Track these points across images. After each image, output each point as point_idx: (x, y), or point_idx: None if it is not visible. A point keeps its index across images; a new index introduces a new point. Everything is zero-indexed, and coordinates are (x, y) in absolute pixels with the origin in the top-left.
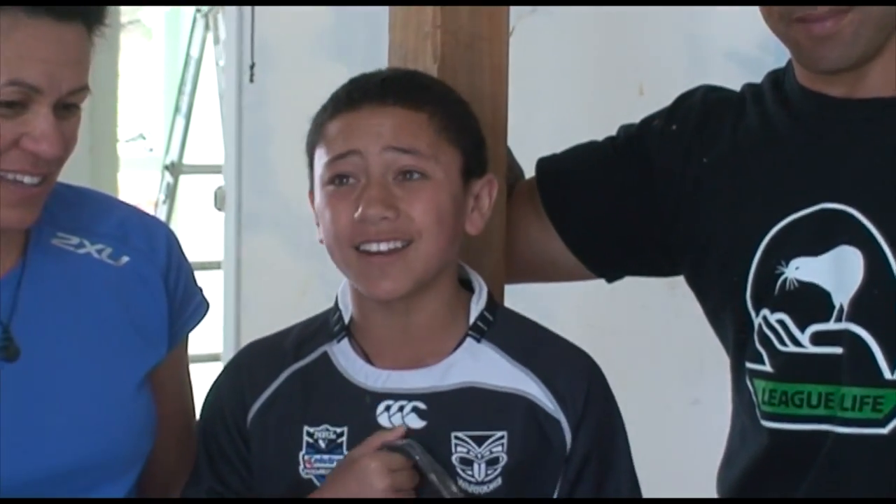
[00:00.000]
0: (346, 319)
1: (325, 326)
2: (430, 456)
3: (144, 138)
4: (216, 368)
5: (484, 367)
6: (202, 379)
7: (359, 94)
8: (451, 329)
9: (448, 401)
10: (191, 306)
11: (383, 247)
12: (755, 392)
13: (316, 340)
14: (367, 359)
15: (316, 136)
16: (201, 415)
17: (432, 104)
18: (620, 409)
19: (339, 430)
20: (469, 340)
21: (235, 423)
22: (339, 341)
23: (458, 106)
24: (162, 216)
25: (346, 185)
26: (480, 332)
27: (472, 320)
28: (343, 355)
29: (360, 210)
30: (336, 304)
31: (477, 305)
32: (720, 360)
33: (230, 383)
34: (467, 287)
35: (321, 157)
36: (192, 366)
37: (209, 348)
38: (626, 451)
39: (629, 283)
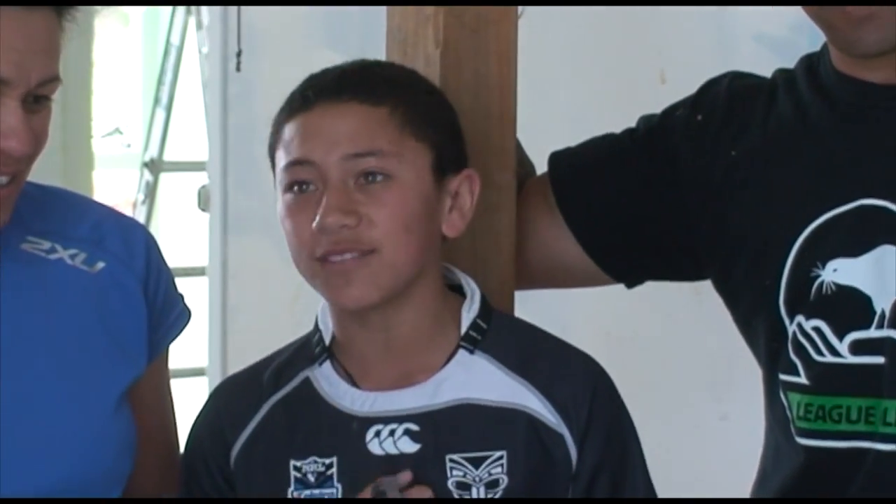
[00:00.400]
0: (327, 340)
1: (304, 350)
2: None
3: (122, 133)
4: (201, 384)
5: (478, 380)
6: (186, 395)
7: (313, 91)
8: (440, 341)
9: (441, 420)
10: (172, 315)
11: (347, 255)
12: (789, 406)
13: (295, 366)
14: (352, 381)
15: (274, 139)
16: (183, 457)
17: (394, 96)
18: (642, 426)
19: (327, 461)
20: (461, 352)
21: (218, 465)
22: (320, 364)
23: (428, 96)
24: (141, 217)
25: (306, 193)
26: (473, 342)
27: (463, 329)
28: (326, 379)
29: (317, 219)
30: (316, 324)
31: (469, 313)
32: (751, 372)
33: (209, 424)
34: (459, 292)
35: (279, 161)
36: (176, 381)
37: (193, 362)
38: (641, 462)
39: (651, 288)
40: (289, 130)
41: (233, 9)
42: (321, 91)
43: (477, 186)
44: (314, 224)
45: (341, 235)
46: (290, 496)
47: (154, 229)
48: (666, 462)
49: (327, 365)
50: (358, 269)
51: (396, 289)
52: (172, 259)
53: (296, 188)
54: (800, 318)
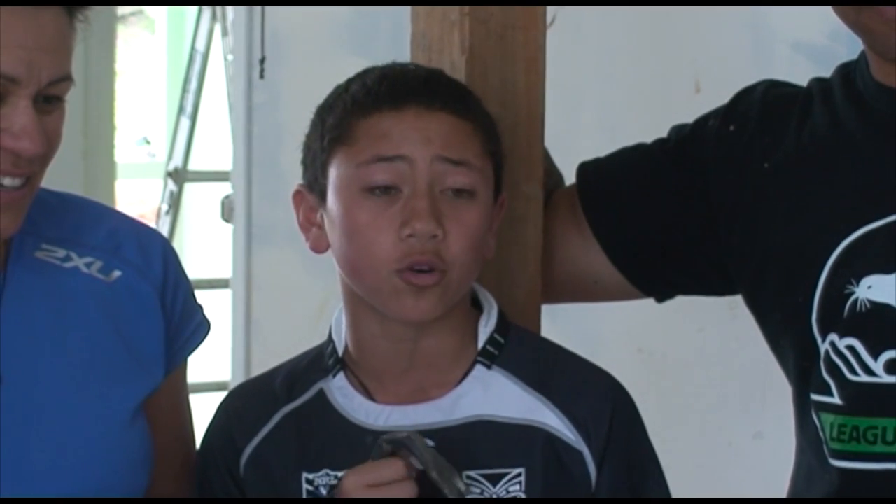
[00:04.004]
0: (340, 351)
1: (318, 361)
2: (434, 451)
3: (149, 142)
4: None
5: (495, 397)
6: (209, 410)
7: (402, 92)
8: (460, 356)
9: (458, 437)
10: (190, 326)
11: (425, 267)
12: (822, 427)
13: (309, 377)
14: (367, 393)
15: (340, 133)
16: (197, 462)
17: (475, 112)
18: (674, 443)
19: (340, 474)
20: (478, 367)
21: (228, 469)
22: (334, 376)
23: (490, 115)
24: (164, 228)
25: (386, 196)
26: (490, 357)
27: (480, 344)
28: (340, 391)
29: (407, 224)
30: (329, 335)
31: (486, 328)
32: (785, 389)
33: (220, 429)
34: (477, 306)
35: (349, 158)
36: (198, 395)
37: (216, 376)
38: (661, 479)
39: (683, 302)
40: (369, 127)
41: (257, 14)
42: (411, 92)
43: (504, 209)
44: (404, 230)
45: (427, 247)
46: None
47: (178, 240)
48: (699, 480)
49: (341, 377)
50: (433, 283)
51: (452, 305)
52: (196, 270)
53: (377, 191)
54: (833, 337)
